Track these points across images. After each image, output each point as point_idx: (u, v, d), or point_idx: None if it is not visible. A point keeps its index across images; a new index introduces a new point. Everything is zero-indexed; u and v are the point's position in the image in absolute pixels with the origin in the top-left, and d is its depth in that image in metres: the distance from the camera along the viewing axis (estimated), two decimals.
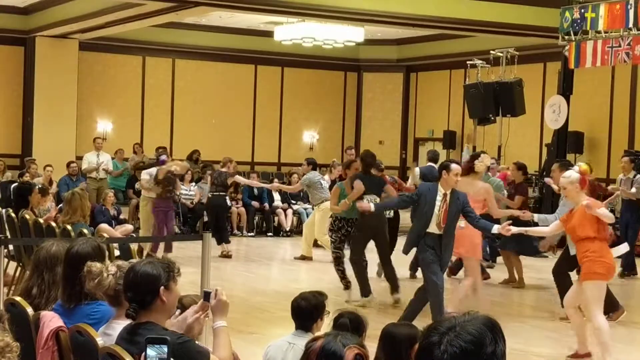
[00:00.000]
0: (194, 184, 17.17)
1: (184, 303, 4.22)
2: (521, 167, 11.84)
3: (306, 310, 4.72)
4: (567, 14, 12.56)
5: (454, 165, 8.27)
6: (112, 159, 18.31)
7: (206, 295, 3.74)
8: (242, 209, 16.53)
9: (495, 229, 8.07)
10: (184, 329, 3.83)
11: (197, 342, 3.80)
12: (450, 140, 22.20)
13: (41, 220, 9.34)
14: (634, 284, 12.39)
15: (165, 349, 2.98)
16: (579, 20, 12.30)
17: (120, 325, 3.86)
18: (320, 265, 12.49)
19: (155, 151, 16.71)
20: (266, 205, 16.77)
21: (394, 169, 22.15)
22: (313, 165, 13.18)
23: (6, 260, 9.88)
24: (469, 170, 9.43)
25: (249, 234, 16.29)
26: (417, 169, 12.67)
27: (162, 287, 3.64)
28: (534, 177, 16.19)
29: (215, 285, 4.44)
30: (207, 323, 3.98)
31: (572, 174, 7.57)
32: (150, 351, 2.97)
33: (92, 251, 4.38)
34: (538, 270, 12.14)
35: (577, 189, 7.43)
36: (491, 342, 1.97)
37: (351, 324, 4.36)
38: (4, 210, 10.54)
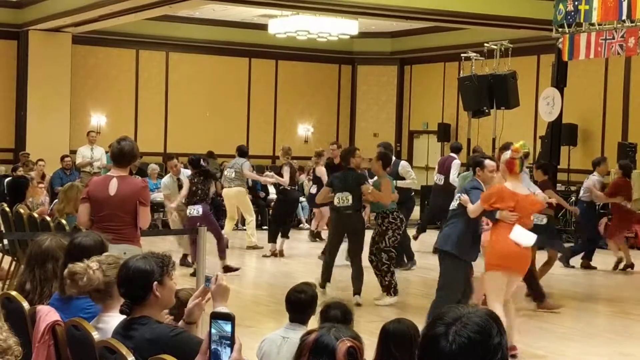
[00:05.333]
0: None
1: (180, 297, 4.22)
2: (541, 167, 11.43)
3: (306, 303, 4.72)
4: (560, 6, 12.55)
5: (487, 162, 7.91)
6: (106, 152, 18.25)
7: (207, 280, 3.76)
8: None
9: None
10: (183, 315, 3.83)
11: (192, 332, 3.79)
12: (444, 132, 22.21)
13: (35, 214, 9.33)
14: (629, 276, 12.41)
15: (228, 326, 2.74)
16: (572, 13, 12.29)
17: (111, 317, 3.86)
18: (315, 259, 12.47)
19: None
20: (261, 193, 16.88)
21: None
22: (239, 152, 13.52)
23: (1, 254, 9.91)
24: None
25: (243, 228, 16.28)
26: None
27: (155, 283, 3.64)
28: (528, 169, 16.19)
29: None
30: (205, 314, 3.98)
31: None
32: (213, 329, 2.74)
33: (94, 244, 4.38)
34: None
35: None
36: (497, 333, 1.96)
37: (328, 314, 4.35)
38: None
